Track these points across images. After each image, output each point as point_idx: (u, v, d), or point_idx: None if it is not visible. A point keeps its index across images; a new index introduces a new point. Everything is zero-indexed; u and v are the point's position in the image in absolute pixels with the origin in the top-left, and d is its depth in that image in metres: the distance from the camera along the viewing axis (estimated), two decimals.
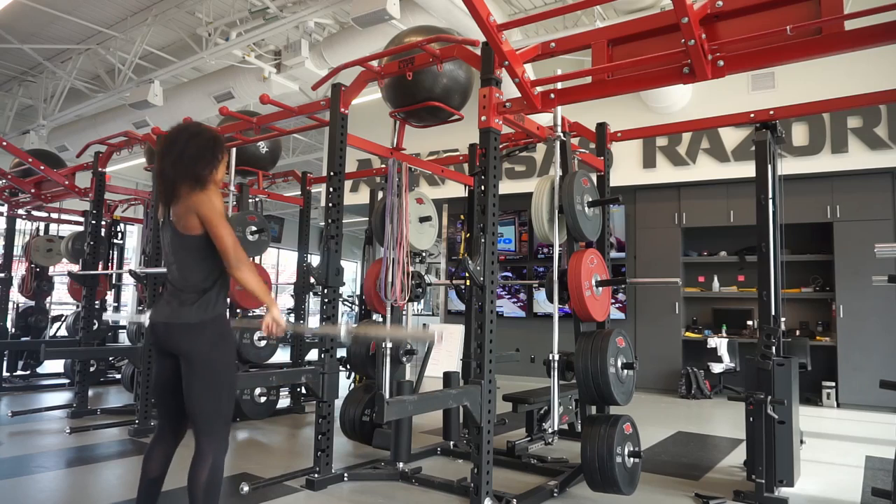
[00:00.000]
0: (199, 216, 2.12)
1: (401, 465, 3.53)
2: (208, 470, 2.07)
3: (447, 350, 8.12)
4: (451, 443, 4.11)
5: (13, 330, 7.15)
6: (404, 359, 3.99)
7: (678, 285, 7.01)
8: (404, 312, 4.09)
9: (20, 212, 7.24)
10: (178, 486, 3.13)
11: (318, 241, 14.17)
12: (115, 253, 7.51)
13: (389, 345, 3.85)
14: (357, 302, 7.30)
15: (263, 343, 5.08)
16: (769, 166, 3.40)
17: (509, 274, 8.46)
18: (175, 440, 2.26)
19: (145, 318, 3.30)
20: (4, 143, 5.65)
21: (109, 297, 7.78)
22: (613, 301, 7.15)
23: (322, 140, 11.35)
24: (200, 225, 2.13)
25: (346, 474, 3.44)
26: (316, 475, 3.31)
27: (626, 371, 3.18)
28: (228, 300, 2.34)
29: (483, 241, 2.89)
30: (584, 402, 3.69)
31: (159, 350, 2.20)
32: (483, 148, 2.97)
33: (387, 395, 3.68)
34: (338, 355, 3.56)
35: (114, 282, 7.81)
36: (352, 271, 16.54)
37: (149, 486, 2.19)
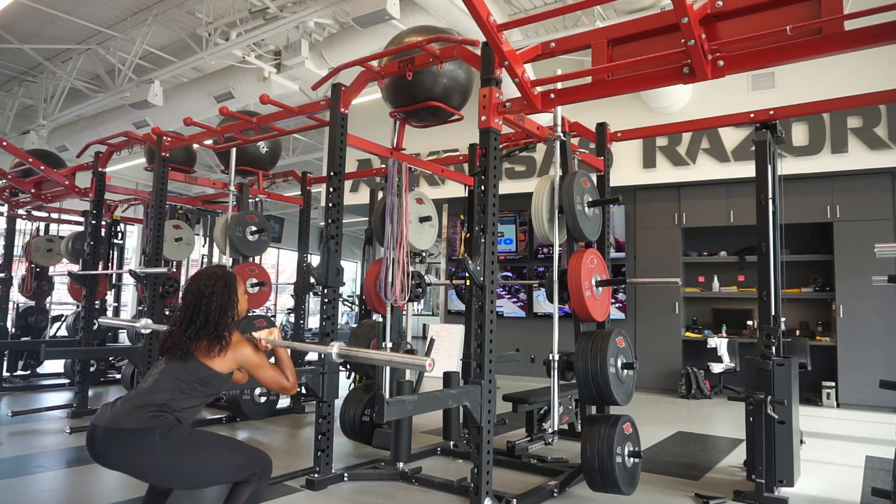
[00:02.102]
0: (246, 368, 2.23)
1: (401, 465, 3.53)
2: (248, 495, 2.10)
3: (447, 350, 8.12)
4: (451, 443, 4.11)
5: (13, 330, 7.14)
6: None
7: (678, 285, 7.00)
8: (404, 312, 4.08)
9: (20, 212, 7.23)
10: None
11: (318, 241, 14.18)
12: (115, 253, 7.51)
13: (389, 344, 3.85)
14: (357, 302, 7.32)
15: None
16: (769, 166, 3.39)
17: (509, 274, 8.45)
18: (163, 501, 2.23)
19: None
20: (4, 143, 5.64)
21: (109, 297, 7.78)
22: (613, 301, 7.15)
23: (322, 140, 11.35)
24: (230, 368, 2.18)
25: (346, 474, 3.44)
26: (316, 475, 3.31)
27: (626, 371, 3.18)
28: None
29: (483, 241, 2.89)
30: (584, 402, 3.69)
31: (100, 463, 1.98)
32: (483, 148, 2.97)
33: (387, 395, 3.67)
34: None
35: (114, 282, 7.81)
36: (352, 271, 16.54)
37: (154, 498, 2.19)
